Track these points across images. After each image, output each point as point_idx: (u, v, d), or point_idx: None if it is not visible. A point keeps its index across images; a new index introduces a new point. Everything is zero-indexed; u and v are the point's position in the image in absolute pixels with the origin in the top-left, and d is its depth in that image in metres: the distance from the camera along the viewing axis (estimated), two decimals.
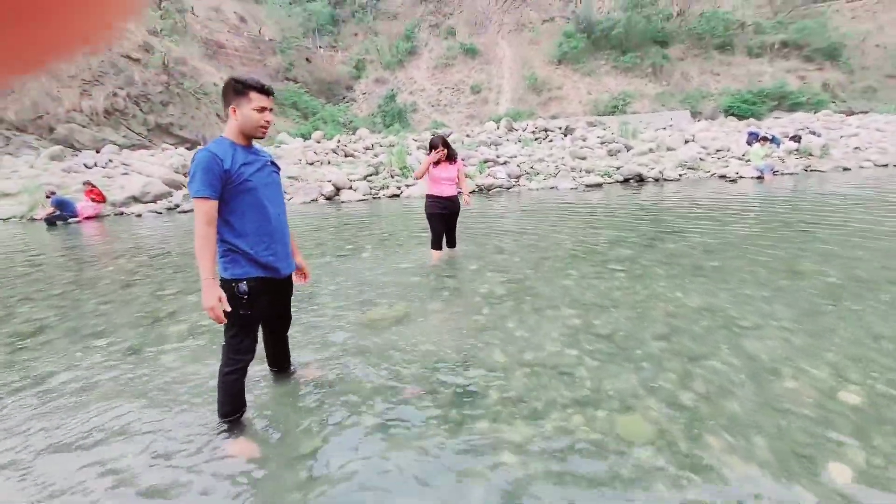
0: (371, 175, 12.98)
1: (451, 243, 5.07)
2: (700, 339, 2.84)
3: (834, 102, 32.50)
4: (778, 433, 1.95)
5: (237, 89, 1.97)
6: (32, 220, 10.72)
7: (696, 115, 31.53)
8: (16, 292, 4.72)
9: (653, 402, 2.22)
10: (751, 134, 14.92)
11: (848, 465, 1.75)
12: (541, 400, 2.29)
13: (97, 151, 19.28)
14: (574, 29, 39.10)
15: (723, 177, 11.87)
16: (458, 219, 5.01)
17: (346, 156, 16.23)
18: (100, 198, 10.81)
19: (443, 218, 4.83)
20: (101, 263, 6.00)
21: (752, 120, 24.64)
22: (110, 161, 16.60)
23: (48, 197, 10.33)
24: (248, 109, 1.97)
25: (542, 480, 1.77)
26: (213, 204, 1.94)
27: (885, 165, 12.94)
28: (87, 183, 11.00)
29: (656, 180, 11.86)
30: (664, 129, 21.13)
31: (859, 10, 38.13)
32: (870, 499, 1.59)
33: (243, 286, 2.01)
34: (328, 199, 11.51)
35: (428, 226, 4.91)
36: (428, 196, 4.81)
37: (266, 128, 2.03)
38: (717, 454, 1.84)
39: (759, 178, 11.39)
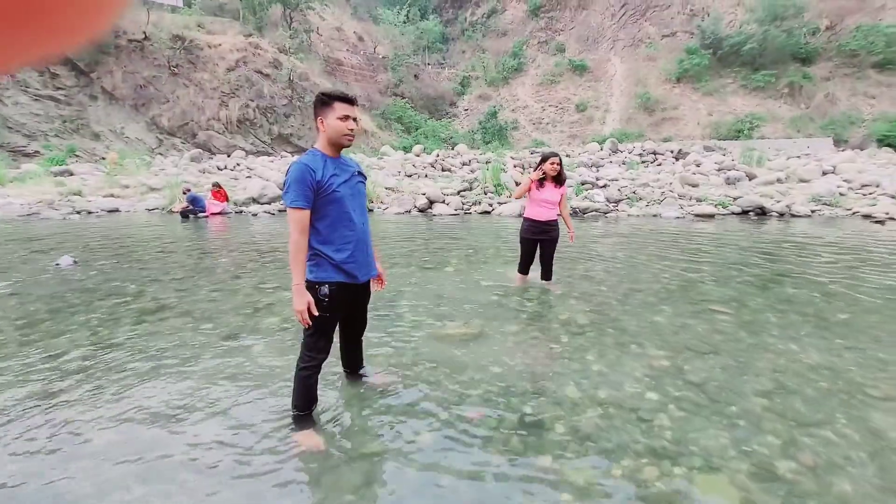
0: (465, 190, 13.21)
1: (546, 274, 4.63)
2: (813, 403, 2.45)
3: None
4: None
5: (323, 101, 2.07)
6: (170, 212, 12.49)
7: (840, 143, 27.18)
8: (149, 274, 5.53)
9: (744, 466, 1.96)
10: None
11: None
12: (612, 442, 2.14)
13: (228, 156, 22.00)
14: (698, 44, 35.80)
15: (867, 216, 10.12)
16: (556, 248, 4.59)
17: (443, 170, 16.73)
18: (223, 198, 12.31)
19: (535, 245, 4.51)
20: (219, 255, 6.80)
21: None
22: (238, 165, 18.98)
23: (184, 193, 12.02)
24: (333, 119, 2.06)
25: None
26: (306, 213, 2.06)
27: None
28: (215, 184, 12.57)
29: (781, 215, 10.48)
30: (798, 157, 18.63)
31: None
32: None
33: (325, 289, 2.12)
34: (421, 211, 11.92)
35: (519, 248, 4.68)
36: (524, 218, 4.54)
37: (351, 136, 2.10)
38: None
39: None
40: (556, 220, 4.46)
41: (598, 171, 15.69)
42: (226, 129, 24.94)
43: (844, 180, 13.01)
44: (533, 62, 42.19)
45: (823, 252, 6.46)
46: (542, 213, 4.41)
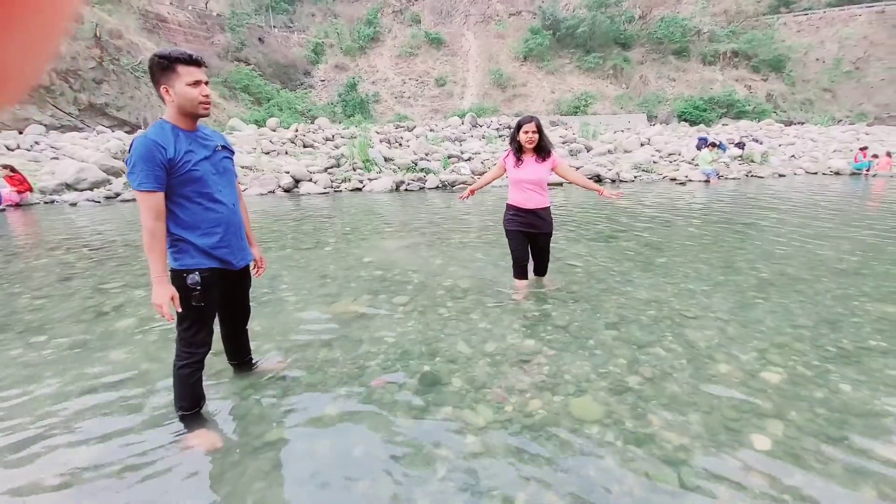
0: (332, 167, 12.76)
1: (540, 269, 3.85)
2: (647, 329, 3.08)
3: (776, 112, 34.61)
4: (710, 410, 2.18)
5: (163, 65, 1.78)
6: None
7: (652, 118, 32.93)
8: None
9: (603, 384, 2.41)
10: (700, 139, 15.74)
11: (768, 437, 1.99)
12: (501, 385, 2.44)
13: (20, 132, 17.17)
14: (540, 25, 39.34)
15: (673, 179, 12.53)
16: (551, 238, 3.76)
17: (304, 146, 15.87)
18: (24, 186, 9.87)
19: (524, 238, 3.65)
20: (33, 255, 5.55)
21: (702, 126, 26.16)
22: (36, 143, 15.03)
23: None
24: (182, 86, 1.79)
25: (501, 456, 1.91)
26: (160, 196, 1.81)
27: (815, 173, 14.07)
28: (5, 166, 9.91)
29: (613, 181, 12.36)
30: (622, 131, 21.99)
31: (804, 23, 40.80)
32: (785, 465, 1.83)
33: (195, 277, 1.91)
34: (286, 191, 11.23)
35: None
36: (507, 205, 3.64)
37: (207, 103, 1.86)
38: (657, 429, 2.04)
39: (706, 181, 12.12)
40: (547, 208, 3.58)
41: (461, 144, 16.46)
42: None
43: (656, 150, 15.88)
44: (389, 32, 41.61)
45: (644, 210, 7.88)
46: (526, 199, 3.50)
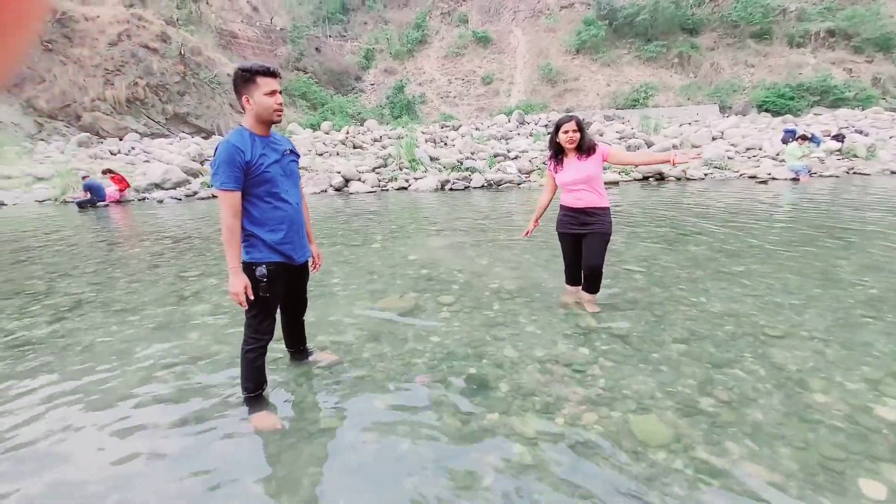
0: (379, 167, 12.93)
1: (588, 283, 3.30)
2: (723, 346, 2.73)
3: (885, 99, 29.18)
4: (804, 446, 1.86)
5: (245, 77, 1.98)
6: (65, 202, 11.26)
7: (725, 109, 29.54)
8: (56, 269, 4.97)
9: (670, 404, 2.14)
10: (787, 132, 13.80)
11: (884, 484, 1.65)
12: (552, 395, 2.24)
13: (120, 139, 20.04)
14: (595, 16, 36.81)
15: (753, 177, 11.26)
16: (602, 243, 3.20)
17: (354, 147, 16.21)
18: (123, 183, 11.17)
19: (572, 240, 3.32)
20: (129, 245, 6.25)
21: (788, 116, 22.78)
22: (133, 149, 17.49)
23: (83, 179, 10.73)
24: (260, 96, 1.97)
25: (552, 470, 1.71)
26: (237, 195, 1.99)
27: None
28: (107, 170, 11.35)
29: (678, 179, 11.43)
30: (689, 124, 20.45)
31: None
32: None
33: (262, 269, 2.07)
34: (337, 190, 11.49)
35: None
36: (559, 206, 3.37)
37: (280, 111, 2.03)
38: (736, 461, 1.77)
39: (794, 179, 10.66)
40: (601, 208, 3.16)
41: (507, 143, 16.16)
42: (114, 109, 22.17)
43: (731, 145, 14.48)
44: (437, 34, 41.71)
45: (716, 211, 7.19)
46: (576, 199, 3.19)
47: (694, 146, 14.47)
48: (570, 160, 3.18)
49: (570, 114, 3.34)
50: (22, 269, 5.11)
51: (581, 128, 3.11)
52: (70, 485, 1.80)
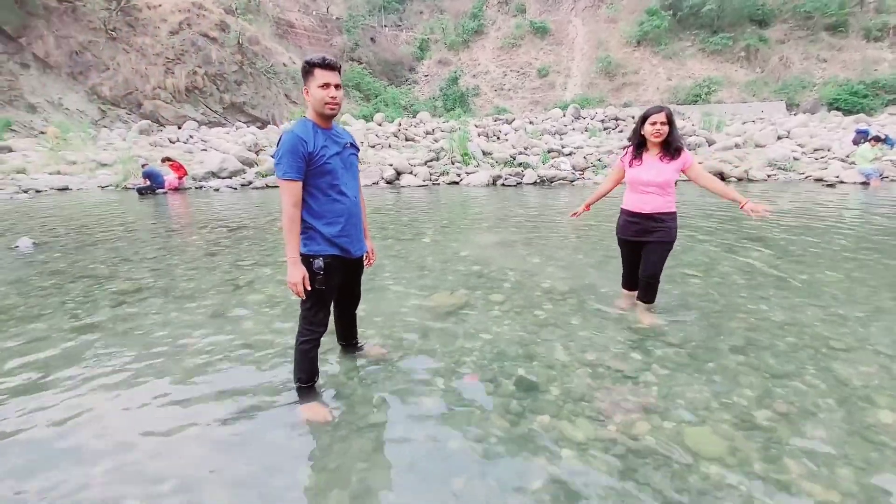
0: (431, 160, 13.06)
1: (644, 293, 3.17)
2: (783, 357, 2.65)
3: None
4: (866, 466, 1.80)
5: (305, 69, 1.98)
6: (126, 188, 11.88)
7: (792, 107, 27.90)
8: (118, 254, 5.30)
9: (726, 416, 2.12)
10: (859, 132, 12.91)
11: None
12: (604, 401, 2.26)
13: (179, 127, 20.84)
14: (658, 6, 35.16)
15: (819, 180, 10.62)
16: (665, 252, 3.04)
17: (406, 139, 16.42)
18: (182, 171, 11.74)
19: (632, 246, 3.16)
20: (187, 232, 6.57)
21: (861, 116, 21.09)
22: (191, 137, 18.01)
23: (143, 167, 11.39)
24: (314, 87, 1.96)
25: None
26: (299, 185, 1.99)
27: None
28: (166, 159, 11.89)
29: (739, 180, 10.94)
30: (753, 122, 19.25)
31: None
32: None
33: (319, 262, 2.07)
34: (388, 182, 11.74)
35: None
36: (620, 209, 3.18)
37: (333, 104, 1.99)
38: (794, 478, 1.74)
39: (863, 183, 9.98)
40: (668, 213, 2.96)
41: (562, 138, 15.85)
42: (174, 98, 23.32)
43: (798, 145, 13.56)
44: (493, 24, 41.10)
45: (781, 217, 6.82)
46: (642, 202, 2.97)
47: (758, 146, 13.67)
48: (651, 157, 2.93)
49: (660, 105, 3.14)
50: (87, 252, 5.34)
51: (671, 121, 2.85)
52: (129, 467, 1.87)
